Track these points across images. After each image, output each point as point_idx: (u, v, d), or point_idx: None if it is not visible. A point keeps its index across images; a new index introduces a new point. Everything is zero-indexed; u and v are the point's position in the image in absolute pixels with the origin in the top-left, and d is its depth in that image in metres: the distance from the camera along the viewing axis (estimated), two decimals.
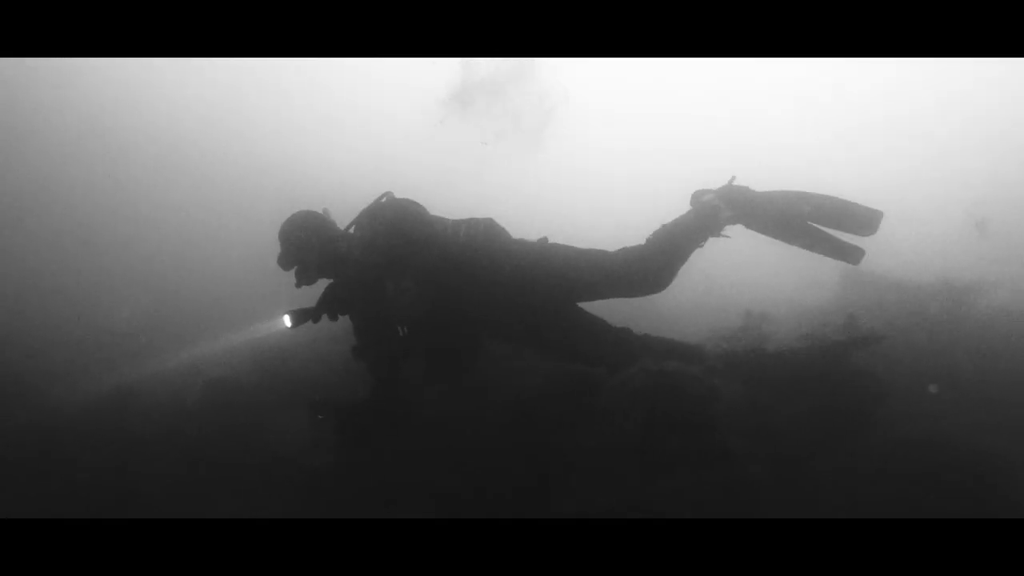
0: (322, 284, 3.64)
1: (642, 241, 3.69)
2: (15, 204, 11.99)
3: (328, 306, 3.49)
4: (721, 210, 3.63)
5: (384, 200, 3.55)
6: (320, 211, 3.65)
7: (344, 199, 3.81)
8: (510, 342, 3.75)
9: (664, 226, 3.68)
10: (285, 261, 3.51)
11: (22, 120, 14.01)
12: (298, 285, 3.54)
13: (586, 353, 3.57)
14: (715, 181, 3.88)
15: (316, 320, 3.48)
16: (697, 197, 3.80)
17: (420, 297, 3.36)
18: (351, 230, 3.55)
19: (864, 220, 3.62)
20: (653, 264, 3.55)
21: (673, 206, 3.86)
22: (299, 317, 3.45)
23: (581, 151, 16.18)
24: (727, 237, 3.71)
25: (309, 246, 3.47)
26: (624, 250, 3.63)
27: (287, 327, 3.47)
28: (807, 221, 3.67)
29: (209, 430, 4.02)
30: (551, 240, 3.71)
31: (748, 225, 3.76)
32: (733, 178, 3.79)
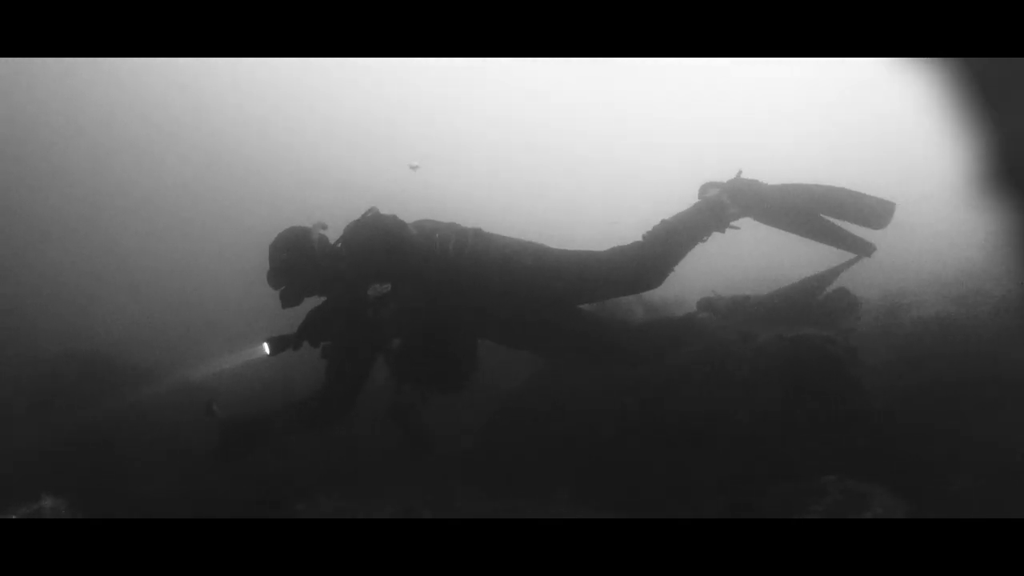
0: (308, 304, 3.55)
1: (638, 237, 3.58)
2: (13, 205, 11.74)
3: (308, 332, 3.39)
4: (727, 206, 3.54)
5: (368, 216, 3.46)
6: (311, 226, 3.54)
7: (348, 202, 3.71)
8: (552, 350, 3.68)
9: (664, 221, 3.57)
10: (273, 281, 3.47)
11: (22, 120, 13.77)
12: (284, 307, 3.48)
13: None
14: (718, 175, 3.77)
15: (296, 347, 3.38)
16: (704, 191, 3.70)
17: (402, 320, 3.31)
18: (339, 245, 3.48)
19: (878, 211, 3.51)
20: (649, 261, 3.44)
21: (673, 201, 3.79)
22: (278, 344, 3.35)
23: (581, 148, 15.89)
24: (736, 228, 3.61)
25: (292, 267, 3.41)
26: (618, 249, 3.51)
27: (266, 355, 3.37)
28: (820, 214, 3.58)
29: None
30: (538, 241, 3.60)
31: (757, 218, 3.67)
32: (740, 172, 3.70)
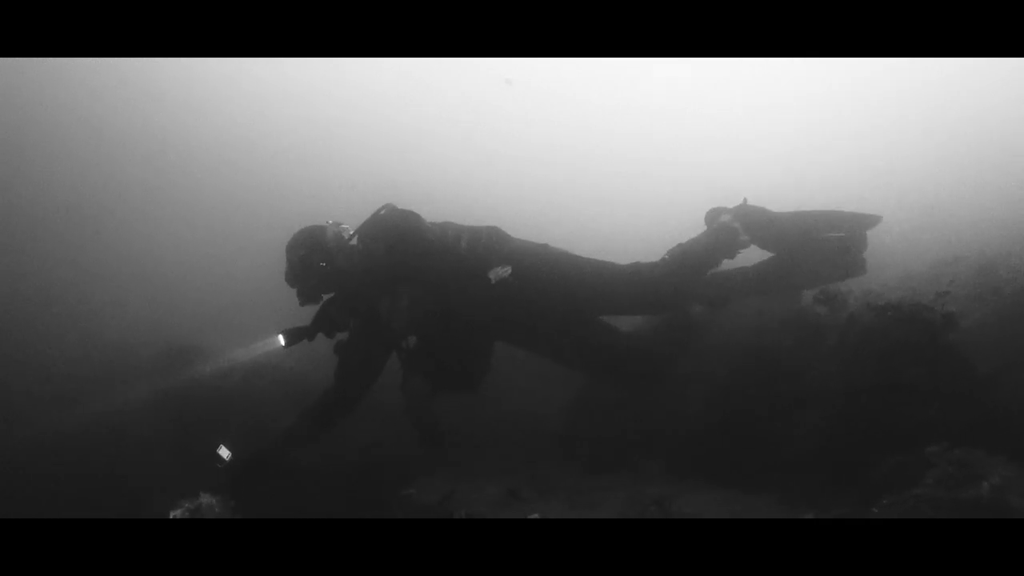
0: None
1: (653, 256, 3.59)
2: (12, 205, 11.75)
3: (323, 324, 3.40)
4: (739, 233, 3.55)
5: (383, 212, 3.47)
6: (326, 224, 3.56)
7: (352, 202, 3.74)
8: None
9: (680, 246, 3.58)
10: (290, 279, 3.49)
11: (22, 120, 13.76)
12: (301, 304, 3.49)
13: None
14: (722, 195, 3.77)
15: (311, 339, 3.40)
16: (713, 216, 3.66)
17: (415, 315, 3.31)
18: (353, 241, 3.48)
19: (864, 222, 3.55)
20: (666, 287, 3.45)
21: (675, 211, 3.75)
22: (293, 336, 3.37)
23: (586, 150, 15.65)
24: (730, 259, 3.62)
25: (308, 265, 3.41)
26: (637, 267, 3.51)
27: (281, 346, 3.39)
28: (819, 235, 3.58)
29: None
30: (552, 245, 3.63)
31: (762, 245, 3.65)
32: (745, 200, 3.66)
